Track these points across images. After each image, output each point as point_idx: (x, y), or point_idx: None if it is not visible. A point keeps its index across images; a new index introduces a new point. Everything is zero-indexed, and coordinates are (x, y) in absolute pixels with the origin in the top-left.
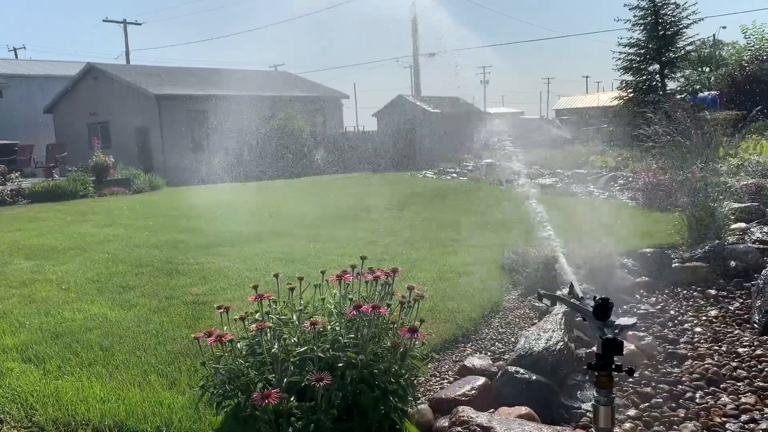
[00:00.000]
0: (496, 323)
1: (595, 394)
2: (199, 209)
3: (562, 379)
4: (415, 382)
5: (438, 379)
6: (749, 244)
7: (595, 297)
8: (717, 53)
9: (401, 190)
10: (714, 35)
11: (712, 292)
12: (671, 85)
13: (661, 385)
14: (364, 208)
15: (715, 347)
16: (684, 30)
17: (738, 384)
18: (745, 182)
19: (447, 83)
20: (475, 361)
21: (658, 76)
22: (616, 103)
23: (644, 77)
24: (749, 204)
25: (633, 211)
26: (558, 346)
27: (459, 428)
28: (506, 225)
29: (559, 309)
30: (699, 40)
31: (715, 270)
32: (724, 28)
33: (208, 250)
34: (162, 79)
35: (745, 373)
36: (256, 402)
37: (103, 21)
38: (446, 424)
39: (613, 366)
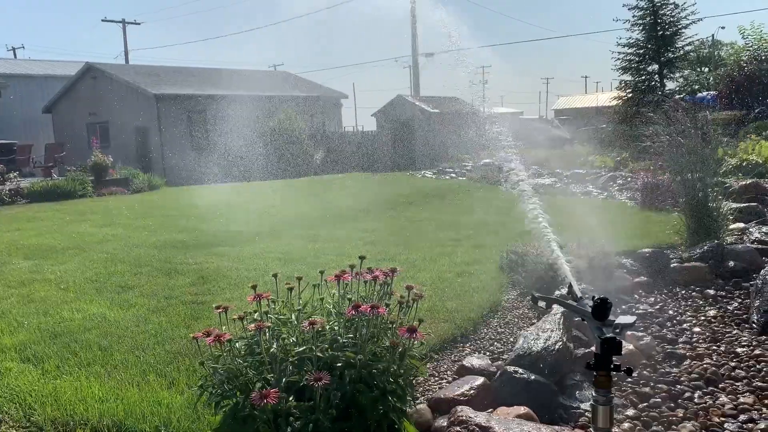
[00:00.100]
0: (495, 323)
1: (594, 394)
2: (198, 209)
3: (560, 379)
4: (413, 381)
5: (437, 378)
6: (748, 245)
7: (593, 297)
8: (716, 53)
9: (400, 190)
10: (713, 35)
11: (711, 292)
12: (670, 85)
13: (659, 385)
14: (364, 208)
15: (714, 347)
16: (683, 30)
17: (736, 384)
18: (744, 182)
19: (452, 83)
20: (474, 361)
21: (657, 76)
22: (614, 103)
23: (643, 77)
24: (748, 204)
25: (632, 211)
26: (557, 346)
27: (457, 428)
28: (505, 225)
29: (558, 309)
30: (698, 40)
31: (713, 270)
32: (723, 28)
33: (207, 249)
34: (161, 78)
35: (743, 373)
36: (254, 402)
37: (102, 21)
38: (445, 423)
39: (612, 366)
